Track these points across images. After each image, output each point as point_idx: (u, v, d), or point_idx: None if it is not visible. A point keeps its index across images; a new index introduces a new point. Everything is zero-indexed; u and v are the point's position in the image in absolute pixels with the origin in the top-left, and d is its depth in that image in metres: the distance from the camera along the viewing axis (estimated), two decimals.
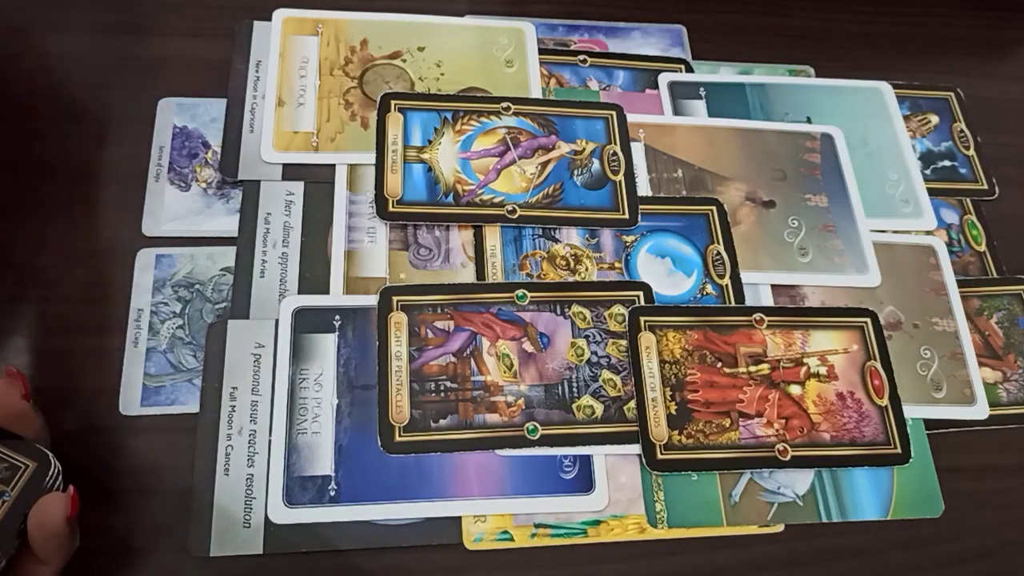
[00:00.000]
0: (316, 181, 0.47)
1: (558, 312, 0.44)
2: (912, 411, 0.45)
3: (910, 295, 0.48)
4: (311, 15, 0.51)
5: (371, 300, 0.43)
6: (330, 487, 0.39)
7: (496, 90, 0.51)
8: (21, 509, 0.32)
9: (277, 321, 0.42)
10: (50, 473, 0.33)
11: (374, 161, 0.46)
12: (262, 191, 0.46)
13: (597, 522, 0.41)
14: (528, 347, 0.43)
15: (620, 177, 0.48)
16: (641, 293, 0.45)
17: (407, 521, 0.39)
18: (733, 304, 0.46)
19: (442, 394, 0.42)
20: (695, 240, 0.48)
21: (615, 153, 0.49)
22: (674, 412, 0.42)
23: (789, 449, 0.42)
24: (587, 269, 0.46)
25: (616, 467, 0.42)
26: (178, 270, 0.44)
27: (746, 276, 0.47)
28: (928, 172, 0.54)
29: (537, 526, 0.40)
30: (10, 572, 0.32)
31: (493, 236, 0.46)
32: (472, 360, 0.43)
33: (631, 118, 0.51)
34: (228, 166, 0.46)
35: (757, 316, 0.45)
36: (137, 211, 0.45)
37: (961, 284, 0.49)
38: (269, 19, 0.50)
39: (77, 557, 0.37)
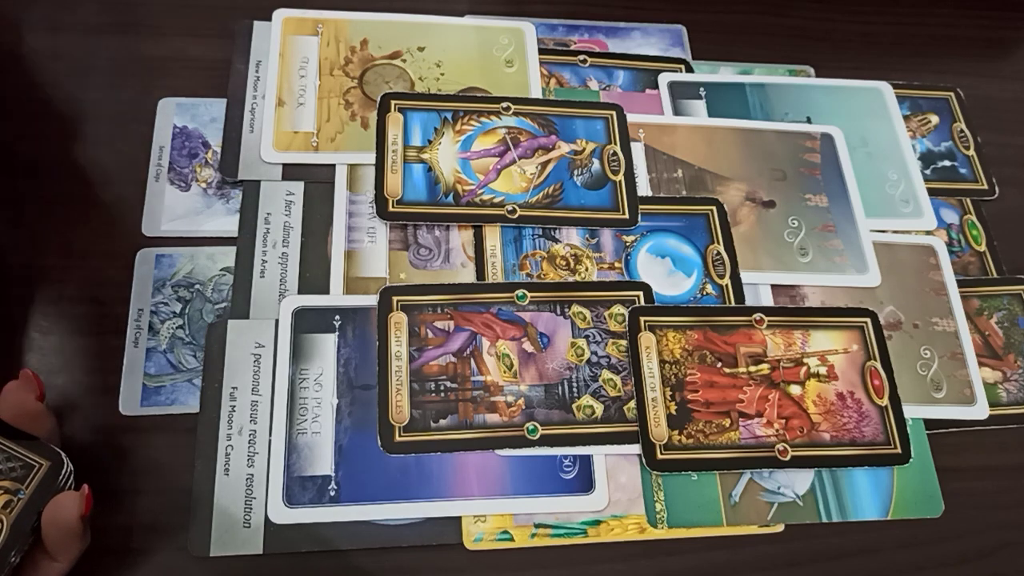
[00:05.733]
0: (316, 181, 0.46)
1: (558, 312, 0.44)
2: (912, 411, 0.45)
3: (910, 295, 0.48)
4: (311, 15, 0.51)
5: (371, 300, 0.43)
6: (330, 487, 0.39)
7: (496, 90, 0.51)
8: (35, 507, 0.33)
9: (277, 321, 0.42)
10: (63, 472, 0.34)
11: (374, 161, 0.46)
12: (262, 191, 0.46)
13: (597, 522, 0.41)
14: (528, 347, 0.43)
15: (620, 177, 0.48)
16: (641, 293, 0.45)
17: (407, 521, 0.39)
18: (733, 304, 0.46)
19: (442, 394, 0.42)
20: (695, 240, 0.48)
21: (615, 153, 0.49)
22: (674, 412, 0.42)
23: (789, 449, 0.42)
24: (587, 269, 0.46)
25: (616, 467, 0.42)
26: (178, 270, 0.44)
27: (746, 276, 0.47)
28: (928, 172, 0.54)
29: (537, 526, 0.40)
30: (23, 568, 0.33)
31: (493, 236, 0.46)
32: (472, 360, 0.43)
33: (631, 118, 0.51)
34: (228, 166, 0.46)
35: (757, 316, 0.45)
36: (137, 211, 0.45)
37: (961, 284, 0.49)
38: (269, 19, 0.50)
39: (78, 558, 0.37)
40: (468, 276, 0.45)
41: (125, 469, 0.39)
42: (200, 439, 0.40)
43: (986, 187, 0.54)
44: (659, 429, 0.42)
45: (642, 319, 0.44)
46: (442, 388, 0.42)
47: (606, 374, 0.43)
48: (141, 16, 0.51)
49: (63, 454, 0.34)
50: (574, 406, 0.42)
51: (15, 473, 0.33)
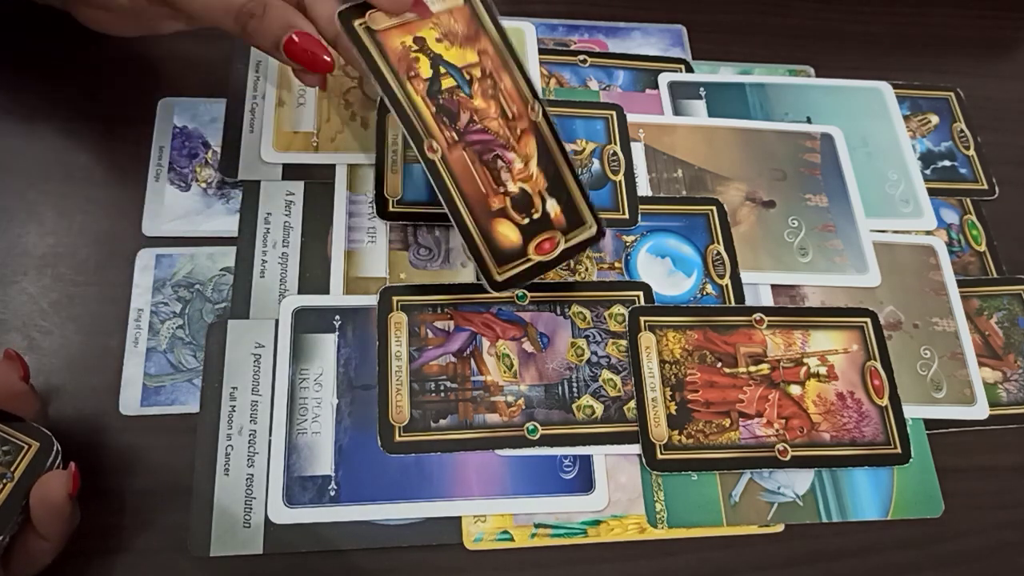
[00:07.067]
0: (316, 181, 0.47)
1: (558, 312, 0.44)
2: (912, 411, 0.45)
3: (910, 295, 0.48)
4: None
5: (371, 300, 0.43)
6: (330, 487, 0.39)
7: None
8: (24, 488, 0.32)
9: (277, 321, 0.42)
10: (52, 453, 0.33)
11: (374, 161, 0.46)
12: (262, 191, 0.46)
13: (597, 522, 0.41)
14: (528, 347, 0.43)
15: (620, 177, 0.48)
16: (641, 293, 0.45)
17: (407, 521, 0.39)
18: (733, 304, 0.46)
19: (442, 394, 0.42)
20: (695, 240, 0.48)
21: (615, 153, 0.49)
22: (674, 412, 0.42)
23: (789, 449, 0.42)
24: (587, 269, 0.46)
25: (616, 467, 0.42)
26: (178, 270, 0.44)
27: (746, 276, 0.47)
28: (928, 172, 0.54)
29: (537, 526, 0.40)
30: (13, 548, 0.33)
31: None
32: (472, 360, 0.43)
33: (631, 118, 0.51)
34: (228, 166, 0.46)
35: (757, 316, 0.45)
36: (137, 211, 0.45)
37: (961, 284, 0.49)
38: None
39: (78, 558, 0.37)
40: (468, 276, 0.45)
41: (125, 469, 0.39)
42: (200, 439, 0.40)
43: (986, 187, 0.54)
44: (659, 429, 0.42)
45: (642, 319, 0.44)
46: (442, 388, 0.42)
47: (606, 374, 0.43)
48: None
49: (51, 435, 0.34)
50: (574, 406, 0.42)
51: (3, 456, 0.33)
